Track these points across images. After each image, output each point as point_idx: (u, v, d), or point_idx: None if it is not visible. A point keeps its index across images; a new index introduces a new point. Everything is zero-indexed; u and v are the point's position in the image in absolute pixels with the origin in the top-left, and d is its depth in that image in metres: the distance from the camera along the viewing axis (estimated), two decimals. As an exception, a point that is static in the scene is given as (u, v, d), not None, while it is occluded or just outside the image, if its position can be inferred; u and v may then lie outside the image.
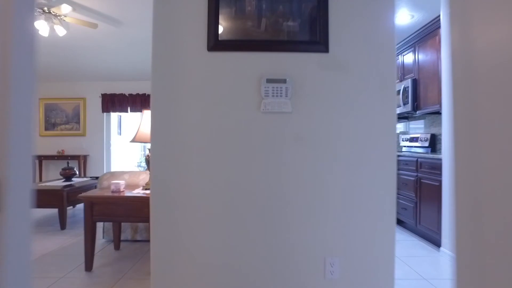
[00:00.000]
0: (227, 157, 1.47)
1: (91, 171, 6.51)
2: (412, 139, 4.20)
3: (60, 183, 3.79)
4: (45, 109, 6.46)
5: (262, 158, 1.47)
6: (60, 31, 3.98)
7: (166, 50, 1.47)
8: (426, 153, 3.60)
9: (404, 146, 4.34)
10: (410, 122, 4.51)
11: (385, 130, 1.48)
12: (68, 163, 4.03)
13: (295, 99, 1.48)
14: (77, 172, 4.00)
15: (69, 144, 6.48)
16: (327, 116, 1.48)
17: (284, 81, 1.46)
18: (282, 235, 1.47)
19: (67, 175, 3.90)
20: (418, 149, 4.01)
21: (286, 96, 1.46)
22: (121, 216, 2.26)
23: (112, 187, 2.41)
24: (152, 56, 1.47)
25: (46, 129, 6.48)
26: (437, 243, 2.88)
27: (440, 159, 2.78)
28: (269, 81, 1.46)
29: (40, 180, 6.38)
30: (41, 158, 6.28)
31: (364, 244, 1.48)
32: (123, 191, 2.43)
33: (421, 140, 3.97)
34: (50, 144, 6.49)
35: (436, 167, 2.87)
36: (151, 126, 1.48)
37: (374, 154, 1.48)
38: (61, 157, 6.21)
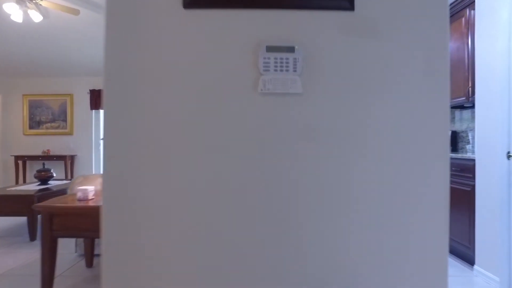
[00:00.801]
0: (211, 156, 1.04)
1: (79, 172, 6.08)
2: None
3: (34, 187, 3.37)
4: (29, 106, 6.03)
5: (260, 158, 1.04)
6: (35, 16, 3.55)
7: (125, 7, 1.04)
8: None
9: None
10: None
11: (433, 124, 1.05)
12: (43, 164, 3.61)
13: (307, 75, 1.04)
14: (54, 174, 3.56)
15: (55, 144, 6.05)
16: (352, 100, 1.05)
17: (291, 49, 1.03)
18: (287, 262, 1.04)
19: (43, 177, 3.48)
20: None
21: (295, 70, 1.03)
22: (87, 231, 1.82)
23: (79, 194, 1.98)
24: (106, 18, 1.04)
25: (30, 127, 6.05)
26: (468, 260, 2.44)
27: (473, 160, 2.35)
28: (270, 49, 1.02)
29: (24, 182, 5.95)
30: (24, 159, 5.85)
31: (405, 278, 1.05)
32: (92, 198, 2.00)
33: (440, 139, 3.53)
34: (35, 144, 6.06)
35: (467, 169, 2.43)
36: (104, 115, 1.05)
37: (419, 154, 1.05)
38: (46, 157, 5.78)
